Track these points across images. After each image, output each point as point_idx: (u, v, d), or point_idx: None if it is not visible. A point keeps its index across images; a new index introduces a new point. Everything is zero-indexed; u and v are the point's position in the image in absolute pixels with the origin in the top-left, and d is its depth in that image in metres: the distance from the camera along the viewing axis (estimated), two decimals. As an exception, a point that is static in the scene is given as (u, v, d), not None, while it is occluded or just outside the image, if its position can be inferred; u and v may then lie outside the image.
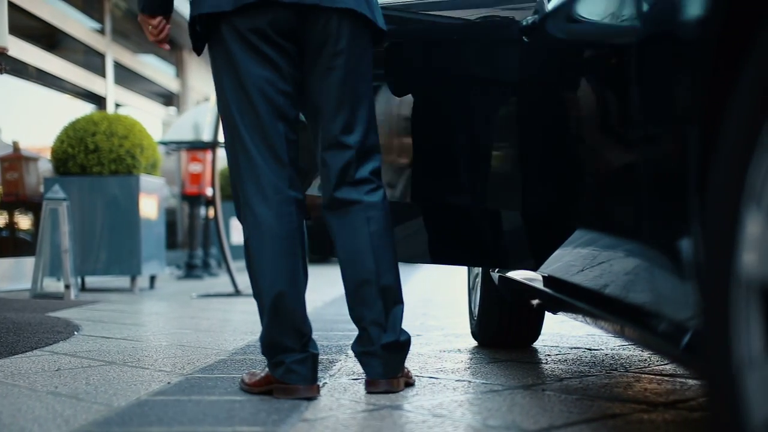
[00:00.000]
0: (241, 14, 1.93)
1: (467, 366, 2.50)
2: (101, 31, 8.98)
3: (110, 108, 8.86)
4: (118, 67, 9.34)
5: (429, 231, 2.50)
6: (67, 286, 5.17)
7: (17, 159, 6.41)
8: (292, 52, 1.99)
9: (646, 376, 2.30)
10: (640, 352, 2.78)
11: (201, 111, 7.92)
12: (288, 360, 1.96)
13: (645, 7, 1.41)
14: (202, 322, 3.91)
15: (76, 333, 3.32)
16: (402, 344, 2.04)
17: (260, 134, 1.98)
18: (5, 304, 4.38)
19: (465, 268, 3.66)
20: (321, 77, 2.01)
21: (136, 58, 10.08)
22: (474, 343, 3.08)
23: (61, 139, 5.98)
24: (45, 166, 6.65)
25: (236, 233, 9.61)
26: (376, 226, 2.03)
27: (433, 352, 2.80)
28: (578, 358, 2.68)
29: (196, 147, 7.87)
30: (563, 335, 3.32)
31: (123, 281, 6.85)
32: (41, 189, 6.25)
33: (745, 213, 0.87)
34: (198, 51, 2.07)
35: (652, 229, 1.37)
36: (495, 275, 2.76)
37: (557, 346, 2.98)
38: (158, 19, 2.19)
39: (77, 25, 8.44)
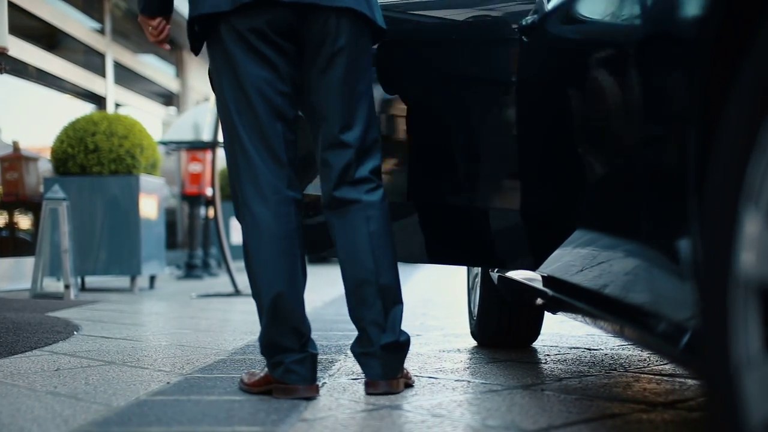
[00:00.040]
0: (239, 14, 1.93)
1: (466, 366, 2.50)
2: (101, 31, 8.98)
3: (110, 108, 8.86)
4: (118, 67, 9.34)
5: (428, 231, 2.50)
6: (66, 286, 5.17)
7: (17, 159, 6.41)
8: (291, 52, 1.99)
9: (646, 376, 2.30)
10: (639, 352, 2.78)
11: (201, 111, 7.92)
12: (287, 360, 1.96)
13: (644, 6, 1.41)
14: (202, 322, 3.91)
15: (75, 333, 3.32)
16: (401, 345, 2.03)
17: (258, 134, 1.98)
18: (5, 304, 4.38)
19: (464, 269, 3.66)
20: (320, 76, 2.01)
21: (136, 58, 10.08)
22: (473, 343, 3.08)
23: (60, 139, 5.98)
24: (45, 166, 6.65)
25: (236, 233, 9.61)
26: (375, 226, 2.02)
27: (432, 352, 2.80)
28: (577, 358, 2.68)
29: (196, 147, 7.88)
30: (563, 335, 3.32)
31: (123, 281, 6.85)
32: (41, 189, 6.25)
33: (743, 213, 0.87)
34: (196, 51, 2.07)
35: (651, 229, 1.37)
36: (494, 275, 2.76)
37: (557, 346, 2.98)
38: (158, 20, 2.19)
39: (77, 25, 8.44)
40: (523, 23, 2.26)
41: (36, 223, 6.70)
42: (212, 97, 6.27)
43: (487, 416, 1.75)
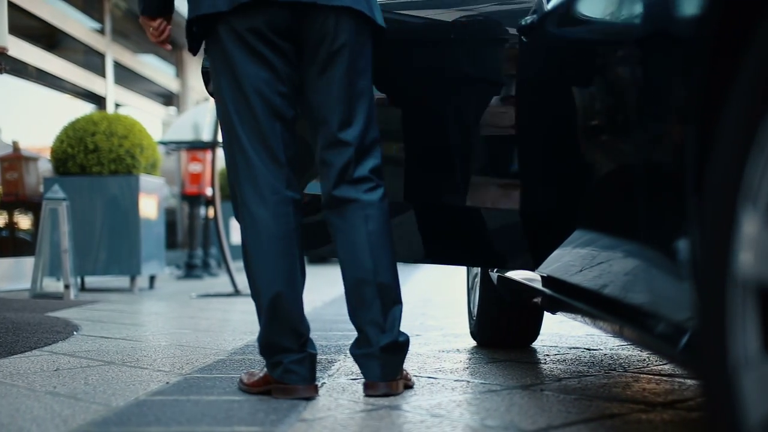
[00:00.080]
0: (237, 14, 1.93)
1: (466, 366, 2.50)
2: (101, 31, 8.98)
3: (110, 108, 8.86)
4: (118, 67, 9.34)
5: (428, 231, 2.50)
6: (66, 286, 5.17)
7: (17, 159, 6.41)
8: (290, 52, 1.99)
9: (645, 376, 2.30)
10: (638, 352, 2.78)
11: (201, 111, 7.92)
12: (286, 360, 1.96)
13: (643, 6, 1.41)
14: (202, 322, 3.91)
15: (75, 333, 3.32)
16: (400, 345, 2.02)
17: (257, 135, 1.98)
18: (4, 304, 4.38)
19: (464, 269, 3.66)
20: (319, 76, 2.00)
21: (136, 58, 10.08)
22: (473, 343, 3.08)
23: (60, 139, 5.98)
24: (45, 166, 6.65)
25: (236, 233, 9.61)
26: (373, 225, 2.02)
27: (431, 352, 2.80)
28: (577, 358, 2.68)
29: (195, 147, 7.88)
30: (562, 335, 3.32)
31: (122, 281, 6.85)
32: (41, 189, 6.25)
33: (741, 213, 0.87)
34: (194, 51, 2.07)
35: (650, 229, 1.37)
36: (494, 275, 2.76)
37: (556, 346, 2.98)
38: (159, 20, 2.20)
39: (77, 25, 8.44)
40: (522, 23, 2.26)
41: (36, 223, 6.70)
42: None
43: (486, 416, 1.75)
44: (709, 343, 0.91)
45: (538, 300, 2.31)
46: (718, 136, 0.92)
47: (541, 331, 3.22)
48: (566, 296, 1.90)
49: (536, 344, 3.04)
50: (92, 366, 2.47)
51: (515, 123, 2.31)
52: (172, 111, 11.71)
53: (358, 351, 2.02)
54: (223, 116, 2.03)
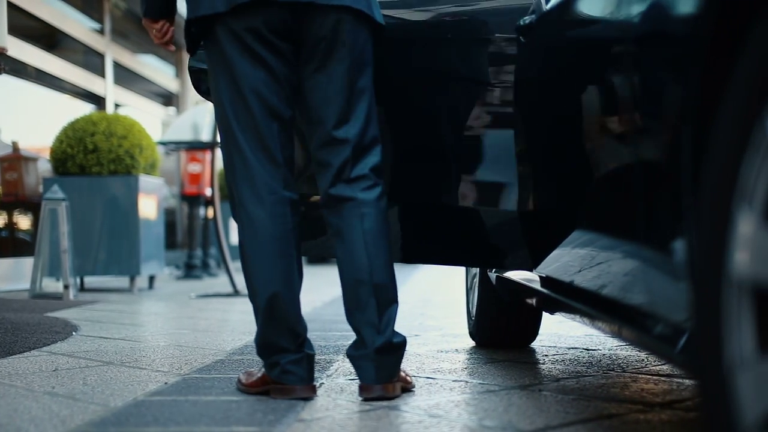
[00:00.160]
0: (235, 15, 1.92)
1: (464, 366, 2.50)
2: (101, 31, 8.98)
3: (110, 108, 8.86)
4: (118, 67, 9.34)
5: (427, 231, 2.50)
6: (65, 287, 5.17)
7: (16, 159, 6.41)
8: (288, 52, 1.98)
9: (643, 376, 2.30)
10: (637, 352, 2.78)
11: (200, 111, 7.92)
12: (283, 361, 1.95)
13: (640, 6, 1.41)
14: (201, 322, 3.91)
15: (74, 333, 3.32)
16: (395, 346, 1.99)
17: (254, 135, 1.97)
18: (4, 304, 4.38)
19: (463, 269, 3.66)
20: (318, 75, 2.00)
21: (135, 58, 10.08)
22: (471, 343, 3.08)
23: (60, 139, 5.98)
24: (44, 166, 6.65)
25: (235, 233, 9.59)
26: (369, 224, 2.00)
27: (430, 353, 2.80)
28: (576, 358, 2.68)
29: (195, 147, 7.88)
30: (561, 335, 3.32)
31: (122, 281, 6.85)
32: (40, 189, 6.25)
33: (737, 212, 0.87)
34: (192, 52, 2.07)
35: (649, 229, 1.37)
36: (492, 275, 2.76)
37: (555, 347, 2.98)
38: (161, 22, 2.20)
39: (77, 25, 8.44)
40: (521, 23, 2.26)
41: (35, 223, 6.70)
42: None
43: (484, 416, 1.75)
44: (704, 342, 0.91)
45: (532, 301, 2.31)
46: (714, 136, 0.93)
47: (540, 332, 3.22)
48: (565, 296, 1.90)
49: (535, 344, 3.04)
50: (91, 366, 2.47)
51: (514, 123, 2.31)
52: (172, 111, 11.71)
53: (354, 353, 2.00)
54: (220, 117, 2.02)
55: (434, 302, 5.24)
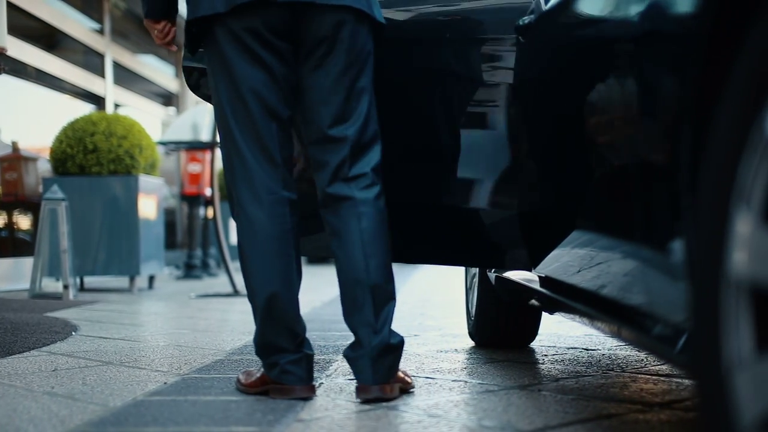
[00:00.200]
0: (235, 15, 1.92)
1: (464, 366, 2.50)
2: (100, 32, 8.98)
3: (109, 108, 8.86)
4: (118, 67, 9.34)
5: (426, 231, 2.49)
6: (65, 287, 5.17)
7: (16, 159, 6.41)
8: (287, 52, 1.98)
9: (643, 376, 2.30)
10: (636, 352, 2.78)
11: (200, 111, 7.92)
12: (282, 361, 1.95)
13: (639, 5, 1.41)
14: (200, 322, 3.92)
15: (73, 333, 3.32)
16: (393, 347, 1.97)
17: (253, 135, 1.97)
18: (3, 304, 4.38)
19: (462, 269, 3.66)
20: (317, 75, 1.99)
21: (135, 59, 10.08)
22: (471, 343, 3.08)
23: (60, 140, 5.99)
24: (44, 166, 6.65)
25: (235, 233, 9.59)
26: (367, 223, 1.99)
27: (429, 352, 2.80)
28: (575, 358, 2.68)
29: (195, 147, 7.88)
30: (560, 335, 3.32)
31: (122, 281, 6.85)
32: (40, 189, 6.25)
33: (735, 212, 0.87)
34: (192, 53, 2.07)
35: (648, 230, 1.37)
36: (492, 275, 2.76)
37: (554, 347, 2.98)
38: (162, 23, 2.20)
39: (76, 26, 8.44)
40: (520, 23, 2.26)
41: (35, 223, 6.70)
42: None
43: (483, 416, 1.75)
44: (703, 342, 0.91)
45: (534, 302, 2.31)
46: (712, 136, 0.93)
47: (540, 331, 3.22)
48: (564, 297, 1.90)
49: (534, 344, 3.04)
50: (90, 366, 2.47)
51: (513, 123, 2.31)
52: (172, 111, 11.71)
53: (351, 354, 1.98)
54: (219, 117, 2.02)
55: (433, 302, 5.24)
